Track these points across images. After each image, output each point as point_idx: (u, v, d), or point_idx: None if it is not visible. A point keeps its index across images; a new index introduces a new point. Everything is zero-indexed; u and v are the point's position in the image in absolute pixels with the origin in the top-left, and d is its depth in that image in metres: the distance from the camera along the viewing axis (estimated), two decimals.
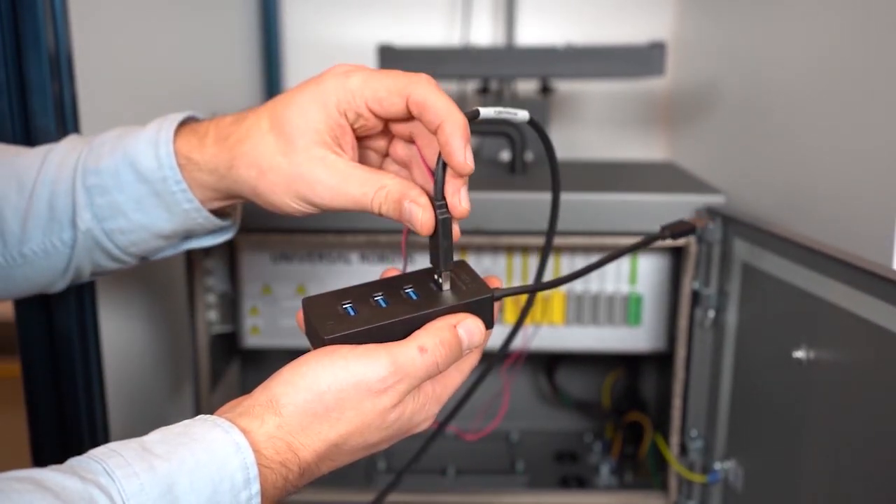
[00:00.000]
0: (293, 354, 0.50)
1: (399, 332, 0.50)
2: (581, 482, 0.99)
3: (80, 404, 0.73)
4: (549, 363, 1.09)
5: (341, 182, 0.52)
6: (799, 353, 0.66)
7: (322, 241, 0.87)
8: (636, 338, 0.93)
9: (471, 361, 0.55)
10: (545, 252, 0.60)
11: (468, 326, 0.51)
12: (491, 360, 0.65)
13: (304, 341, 0.53)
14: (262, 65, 1.42)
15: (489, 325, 0.53)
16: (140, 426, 0.97)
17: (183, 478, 0.41)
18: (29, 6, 0.65)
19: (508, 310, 0.91)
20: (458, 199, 0.51)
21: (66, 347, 0.72)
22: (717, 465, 0.81)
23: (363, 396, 0.47)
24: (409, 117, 0.52)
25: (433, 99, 0.50)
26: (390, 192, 0.51)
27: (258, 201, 0.55)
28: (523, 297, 0.89)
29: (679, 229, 0.62)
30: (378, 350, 0.48)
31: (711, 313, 0.81)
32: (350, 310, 0.51)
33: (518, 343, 0.88)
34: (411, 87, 0.50)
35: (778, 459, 0.71)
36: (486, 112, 0.51)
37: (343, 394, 0.47)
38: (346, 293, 0.53)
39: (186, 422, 0.45)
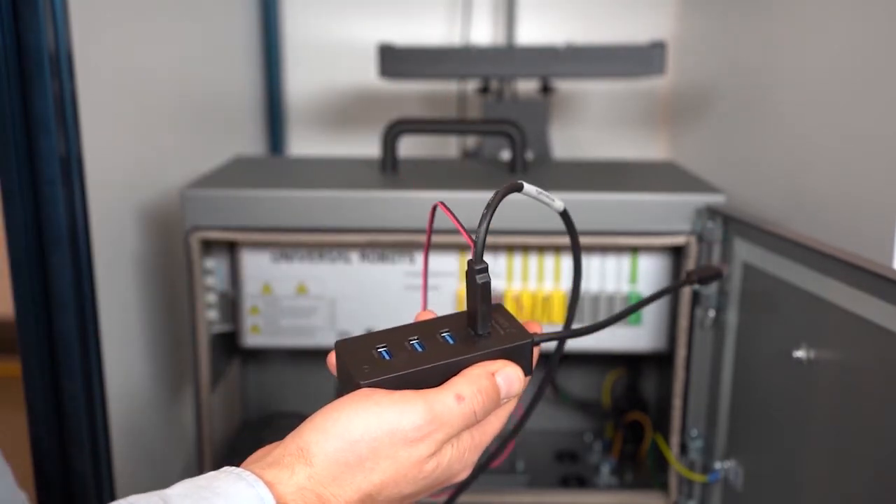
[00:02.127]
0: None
1: (436, 377, 0.48)
2: (581, 482, 0.99)
3: (80, 404, 0.73)
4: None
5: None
6: (799, 353, 0.66)
7: (322, 240, 0.87)
8: (636, 337, 0.92)
9: (509, 408, 0.52)
10: (572, 304, 0.59)
11: (507, 375, 0.50)
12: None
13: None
14: (262, 65, 1.42)
15: (527, 371, 0.51)
16: (140, 425, 0.97)
17: None
18: (29, 6, 0.65)
19: (514, 311, 0.91)
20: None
21: (66, 347, 0.72)
22: (718, 465, 0.81)
23: (398, 445, 0.46)
24: None
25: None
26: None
27: None
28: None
29: (706, 274, 0.61)
30: (414, 397, 0.46)
31: (712, 313, 0.81)
32: (385, 353, 0.49)
33: None
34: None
35: (778, 459, 0.71)
36: (529, 189, 0.51)
37: (377, 443, 0.45)
38: (380, 336, 0.51)
39: (212, 473, 0.44)
